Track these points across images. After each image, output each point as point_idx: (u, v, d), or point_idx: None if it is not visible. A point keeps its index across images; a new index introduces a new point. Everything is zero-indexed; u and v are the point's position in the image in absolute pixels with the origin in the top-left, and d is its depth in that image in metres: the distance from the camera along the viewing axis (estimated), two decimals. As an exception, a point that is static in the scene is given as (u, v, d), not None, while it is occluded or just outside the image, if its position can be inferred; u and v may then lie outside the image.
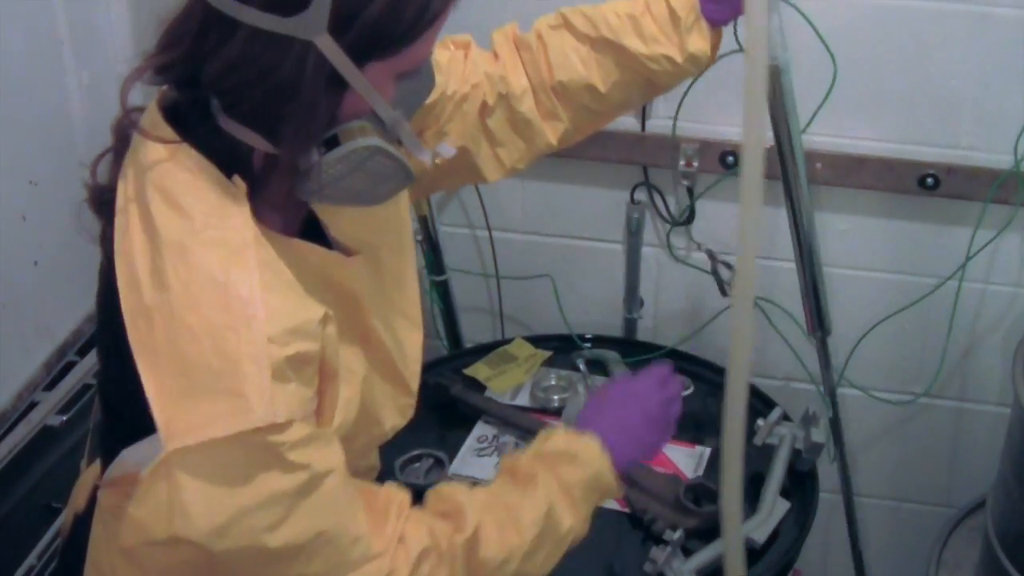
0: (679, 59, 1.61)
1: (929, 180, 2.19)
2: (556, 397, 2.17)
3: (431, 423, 2.14)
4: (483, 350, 2.34)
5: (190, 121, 1.22)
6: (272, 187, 1.23)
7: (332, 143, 1.20)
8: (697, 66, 1.65)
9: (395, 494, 1.33)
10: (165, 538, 1.14)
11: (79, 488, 1.49)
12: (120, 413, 1.34)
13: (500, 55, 1.65)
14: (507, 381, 2.23)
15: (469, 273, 2.49)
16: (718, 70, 2.16)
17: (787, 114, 1.94)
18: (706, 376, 2.29)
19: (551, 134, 1.66)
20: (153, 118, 1.24)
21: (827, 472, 2.10)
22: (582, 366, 2.26)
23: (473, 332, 2.50)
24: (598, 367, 2.29)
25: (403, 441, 2.02)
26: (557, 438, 1.46)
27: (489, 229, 2.44)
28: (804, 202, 2.02)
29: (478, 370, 2.26)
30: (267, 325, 1.15)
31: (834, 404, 2.19)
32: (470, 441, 2.09)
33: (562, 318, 2.43)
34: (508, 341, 2.36)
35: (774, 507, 1.92)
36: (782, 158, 1.99)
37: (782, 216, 2.25)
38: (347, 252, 1.37)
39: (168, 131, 1.22)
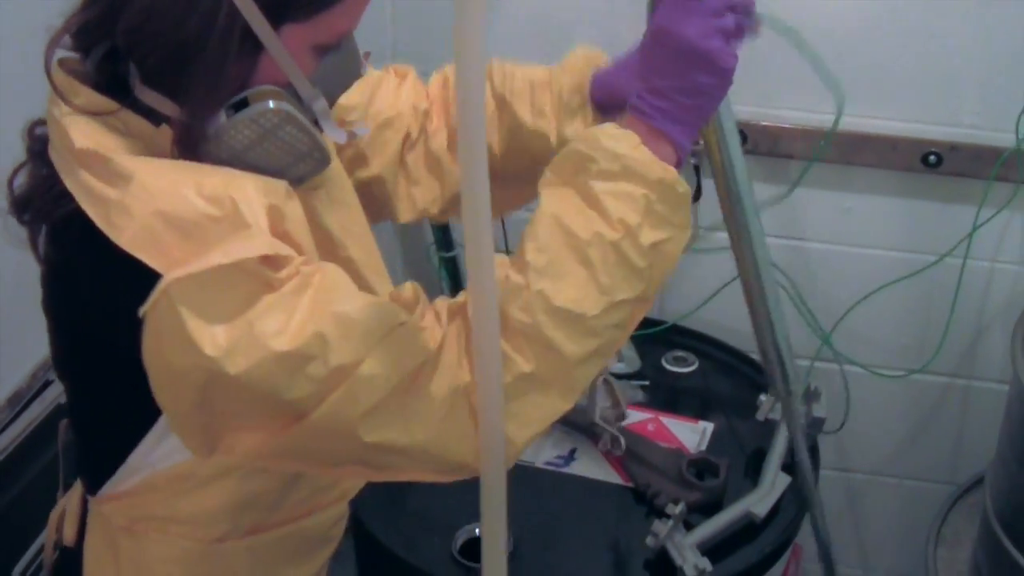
0: (553, 141, 1.48)
1: (932, 158, 2.21)
2: (562, 373, 2.19)
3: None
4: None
5: (113, 92, 1.18)
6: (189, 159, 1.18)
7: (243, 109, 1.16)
8: None
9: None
10: (181, 367, 1.08)
11: (66, 518, 1.43)
12: (95, 441, 1.34)
13: (431, 91, 1.57)
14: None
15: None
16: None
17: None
18: (710, 352, 2.34)
19: None
20: (83, 94, 1.19)
21: (828, 448, 2.12)
22: (588, 342, 2.29)
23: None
24: (604, 343, 2.31)
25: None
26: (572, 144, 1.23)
27: (497, 206, 2.46)
28: (746, 210, 1.74)
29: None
30: (244, 176, 1.13)
31: (814, 455, 2.06)
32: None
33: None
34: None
35: (775, 482, 1.95)
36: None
37: (778, 192, 2.30)
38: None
39: (101, 100, 1.18)
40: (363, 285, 1.29)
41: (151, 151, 1.17)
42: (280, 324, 1.08)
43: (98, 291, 1.17)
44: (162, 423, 1.22)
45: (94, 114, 1.17)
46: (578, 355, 1.15)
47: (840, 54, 2.17)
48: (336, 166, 1.37)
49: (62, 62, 1.22)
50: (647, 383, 2.19)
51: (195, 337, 1.06)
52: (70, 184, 1.15)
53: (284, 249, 1.10)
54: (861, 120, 2.23)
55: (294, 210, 1.16)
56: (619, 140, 1.19)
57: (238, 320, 1.07)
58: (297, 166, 1.21)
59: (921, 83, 2.19)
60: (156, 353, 1.10)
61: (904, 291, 2.36)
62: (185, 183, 1.10)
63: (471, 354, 1.14)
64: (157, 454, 1.26)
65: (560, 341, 1.14)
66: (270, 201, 1.12)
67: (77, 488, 1.42)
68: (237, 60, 1.14)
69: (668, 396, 2.17)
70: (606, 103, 1.47)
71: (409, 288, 1.20)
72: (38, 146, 1.25)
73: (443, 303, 1.20)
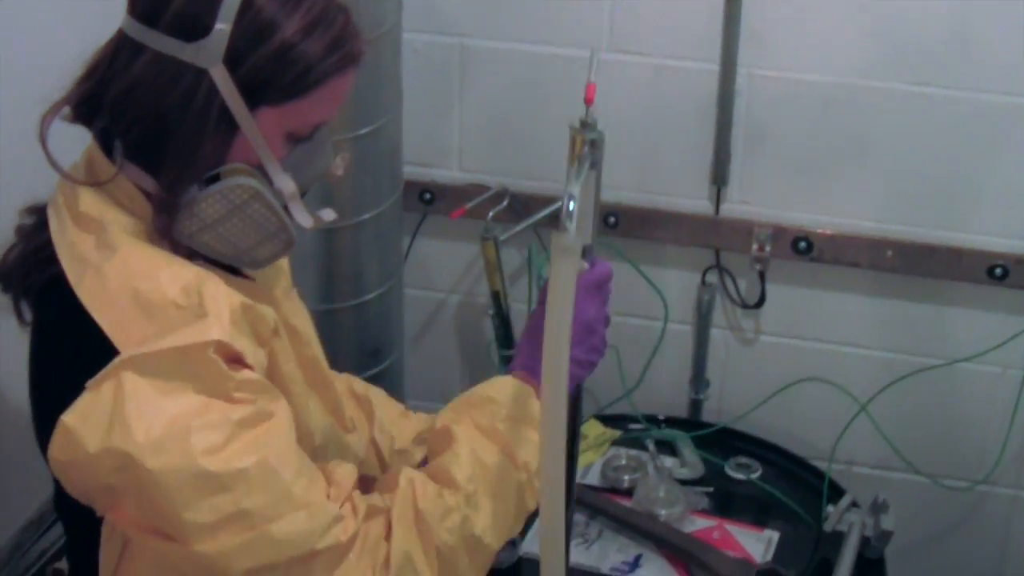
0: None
1: (998, 270, 2.22)
2: (626, 477, 2.18)
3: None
4: (553, 427, 2.35)
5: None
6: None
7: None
8: None
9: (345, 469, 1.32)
10: (98, 450, 1.13)
11: None
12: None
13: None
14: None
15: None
16: (793, 155, 2.22)
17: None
18: (772, 459, 2.31)
19: None
20: (87, 163, 1.30)
21: (894, 560, 2.10)
22: (651, 447, 2.29)
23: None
24: (667, 448, 2.31)
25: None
26: (474, 390, 1.42)
27: (561, 306, 2.46)
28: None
29: (549, 447, 2.27)
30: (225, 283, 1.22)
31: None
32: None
33: (625, 395, 2.44)
34: (578, 419, 2.37)
35: (844, 595, 1.93)
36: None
37: (841, 300, 2.31)
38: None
39: (102, 171, 1.26)
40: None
41: (149, 230, 1.25)
42: (216, 444, 1.14)
43: (73, 354, 1.22)
44: None
45: (94, 184, 1.26)
46: None
47: (909, 164, 2.19)
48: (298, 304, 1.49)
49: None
50: (711, 490, 2.17)
51: (130, 420, 1.12)
52: (58, 240, 1.24)
53: (240, 344, 1.18)
54: (928, 231, 2.24)
55: (263, 320, 1.25)
56: (519, 391, 1.38)
57: (175, 414, 1.13)
58: (264, 245, 1.28)
59: (989, 196, 2.20)
60: (80, 430, 1.14)
61: (966, 402, 2.36)
62: (162, 268, 1.19)
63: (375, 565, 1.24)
64: None
65: (465, 567, 1.30)
66: (241, 300, 1.21)
67: None
68: (212, 138, 1.22)
69: (732, 503, 2.15)
70: None
71: (340, 469, 1.29)
72: (31, 225, 1.32)
73: (363, 499, 1.27)
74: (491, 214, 2.30)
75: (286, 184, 1.28)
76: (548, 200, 2.33)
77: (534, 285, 2.44)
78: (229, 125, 1.23)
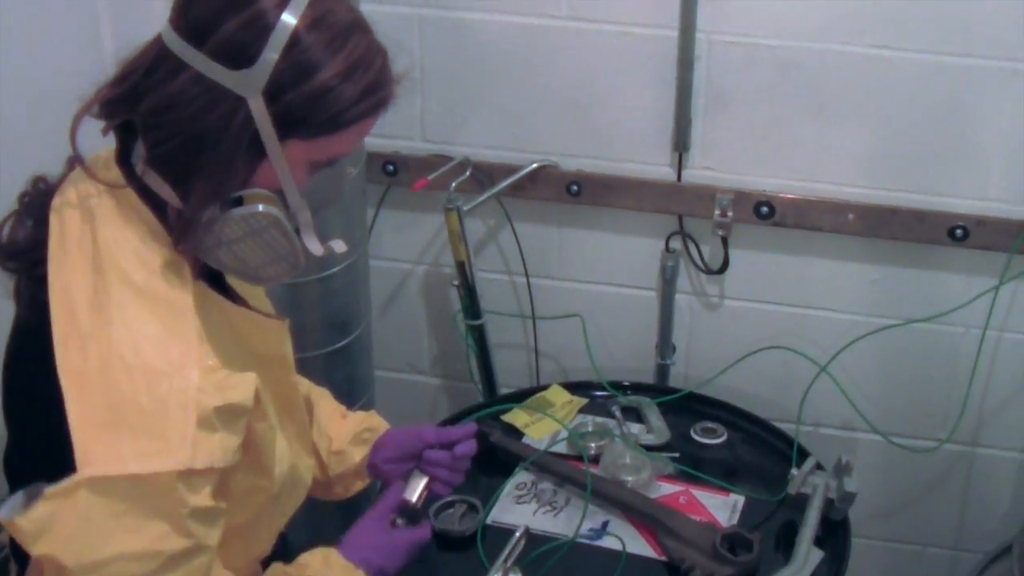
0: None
1: (959, 232, 2.23)
2: (593, 445, 2.18)
3: (470, 469, 2.16)
4: (520, 396, 2.36)
5: (124, 169, 1.31)
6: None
7: (237, 206, 1.28)
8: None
9: None
10: (42, 554, 1.17)
11: None
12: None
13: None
14: (545, 428, 2.25)
15: (504, 315, 2.52)
16: (754, 120, 2.22)
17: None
18: (737, 423, 2.32)
19: None
20: (105, 160, 1.33)
21: (857, 519, 2.12)
22: (618, 413, 2.29)
23: (507, 375, 2.53)
24: (633, 414, 2.32)
25: (441, 486, 2.05)
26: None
27: (527, 275, 2.48)
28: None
29: (516, 416, 2.28)
30: (200, 378, 1.22)
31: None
32: (509, 488, 2.10)
33: (591, 360, 2.46)
34: (545, 387, 2.38)
35: (808, 557, 1.94)
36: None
37: (804, 264, 2.31)
38: (278, 318, 1.48)
39: (116, 173, 1.31)
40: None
41: (158, 236, 1.29)
42: (143, 574, 1.20)
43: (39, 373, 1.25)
44: None
45: (112, 185, 1.29)
46: None
47: (869, 128, 2.19)
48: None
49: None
50: (677, 455, 2.19)
51: (77, 540, 1.16)
52: (54, 271, 1.26)
53: (204, 454, 1.21)
54: (889, 193, 2.25)
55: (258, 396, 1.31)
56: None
57: (120, 541, 1.18)
58: (271, 266, 1.33)
59: (950, 157, 2.20)
60: (31, 535, 1.17)
61: (929, 363, 2.39)
62: (142, 362, 1.21)
63: None
64: None
65: None
66: (226, 400, 1.24)
67: None
68: (241, 163, 1.25)
69: (698, 468, 2.16)
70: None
71: None
72: (38, 200, 1.34)
73: None
74: (454, 184, 2.30)
75: (302, 212, 1.33)
76: (511, 169, 2.34)
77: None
78: (258, 152, 1.26)
